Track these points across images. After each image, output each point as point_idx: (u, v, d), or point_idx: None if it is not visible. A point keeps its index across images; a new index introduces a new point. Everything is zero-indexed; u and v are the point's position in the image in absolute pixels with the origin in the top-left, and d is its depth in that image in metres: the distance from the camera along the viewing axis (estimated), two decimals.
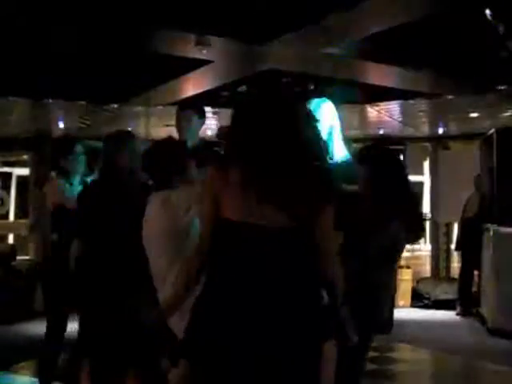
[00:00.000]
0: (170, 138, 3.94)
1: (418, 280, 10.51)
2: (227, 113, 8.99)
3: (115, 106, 8.01)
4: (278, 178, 2.49)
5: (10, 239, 12.86)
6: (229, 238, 2.52)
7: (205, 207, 2.61)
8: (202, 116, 4.66)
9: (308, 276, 2.53)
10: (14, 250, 9.84)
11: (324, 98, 4.16)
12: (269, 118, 2.58)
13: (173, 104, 8.22)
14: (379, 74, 7.28)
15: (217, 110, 8.84)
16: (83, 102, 8.10)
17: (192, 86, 7.75)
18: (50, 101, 8.01)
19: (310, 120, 2.70)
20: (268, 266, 2.46)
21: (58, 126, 9.78)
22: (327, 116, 4.04)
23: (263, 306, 2.44)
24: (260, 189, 2.47)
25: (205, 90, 7.86)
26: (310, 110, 2.82)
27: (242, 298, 2.45)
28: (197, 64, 6.78)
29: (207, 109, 8.71)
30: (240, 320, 2.44)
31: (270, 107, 2.62)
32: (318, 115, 4.03)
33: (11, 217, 13.03)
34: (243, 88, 7.81)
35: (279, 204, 2.47)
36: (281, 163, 2.51)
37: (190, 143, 4.39)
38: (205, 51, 6.11)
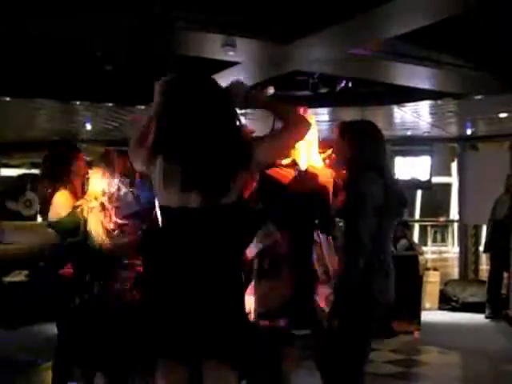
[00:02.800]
0: None
1: (445, 282, 10.43)
2: (254, 114, 9.05)
3: (142, 107, 8.02)
4: (198, 166, 2.82)
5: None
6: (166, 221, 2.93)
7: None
8: None
9: (225, 246, 2.89)
10: (42, 251, 9.88)
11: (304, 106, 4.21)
12: (191, 108, 2.88)
13: None
14: (406, 75, 7.23)
15: (243, 111, 8.84)
16: (110, 104, 8.13)
17: None
18: (77, 103, 8.05)
19: (231, 108, 3.00)
20: (191, 238, 2.85)
21: (85, 127, 9.84)
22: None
23: (190, 270, 2.84)
24: (182, 177, 2.82)
25: None
26: (231, 98, 3.01)
27: (174, 264, 2.87)
28: (223, 65, 6.78)
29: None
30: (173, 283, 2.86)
31: (191, 97, 2.91)
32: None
33: (39, 218, 13.12)
34: (270, 89, 7.81)
35: (198, 190, 2.82)
36: (201, 153, 2.83)
37: None
38: (231, 53, 6.10)
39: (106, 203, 4.22)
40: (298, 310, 3.84)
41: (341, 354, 3.69)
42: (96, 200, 4.29)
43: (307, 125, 3.10)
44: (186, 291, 2.83)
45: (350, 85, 7.66)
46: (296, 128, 3.05)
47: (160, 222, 2.98)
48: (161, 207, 2.96)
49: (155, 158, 2.90)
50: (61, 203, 4.55)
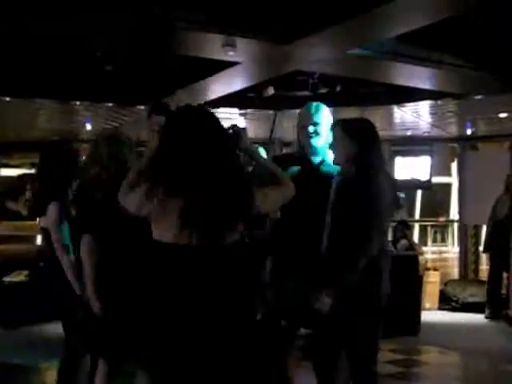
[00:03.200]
0: None
1: (445, 282, 10.43)
2: (254, 114, 9.05)
3: (142, 107, 8.03)
4: (201, 200, 2.69)
5: (38, 240, 12.95)
6: (159, 258, 2.76)
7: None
8: None
9: (239, 288, 2.79)
10: (42, 252, 9.88)
11: (320, 103, 4.23)
12: (192, 141, 2.76)
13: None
14: (406, 75, 7.23)
15: (243, 111, 8.85)
16: (110, 104, 8.14)
17: (219, 87, 7.76)
18: (77, 103, 8.06)
19: (232, 144, 2.93)
20: (197, 282, 2.70)
21: (85, 127, 9.84)
22: (327, 119, 4.11)
23: (198, 321, 2.69)
24: (184, 211, 2.68)
25: (231, 91, 7.87)
26: (230, 135, 2.97)
27: (178, 319, 2.70)
28: (223, 65, 6.78)
29: (234, 110, 8.76)
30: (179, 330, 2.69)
31: (194, 130, 2.79)
32: (318, 118, 4.12)
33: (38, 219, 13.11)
34: (270, 90, 7.83)
35: (202, 225, 2.69)
36: (203, 186, 2.71)
37: None
38: (231, 53, 6.11)
39: None
40: (297, 310, 3.86)
41: (338, 352, 3.75)
42: None
43: (292, 188, 3.12)
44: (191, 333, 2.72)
45: (338, 88, 7.68)
46: (287, 187, 3.06)
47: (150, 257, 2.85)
48: (155, 243, 2.81)
49: (154, 193, 2.77)
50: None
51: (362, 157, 3.70)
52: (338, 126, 3.87)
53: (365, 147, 3.73)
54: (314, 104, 4.25)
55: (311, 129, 4.11)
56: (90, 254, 3.91)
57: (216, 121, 2.89)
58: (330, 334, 3.78)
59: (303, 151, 4.17)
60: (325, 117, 4.17)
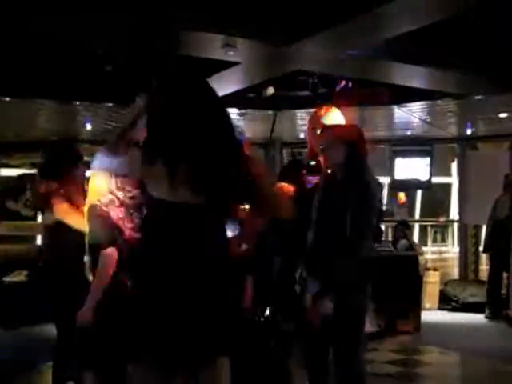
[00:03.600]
0: None
1: (445, 282, 10.43)
2: (254, 114, 9.03)
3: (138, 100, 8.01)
4: (192, 164, 2.80)
5: (38, 240, 12.95)
6: (155, 211, 2.92)
7: None
8: None
9: (214, 244, 2.90)
10: (41, 252, 9.89)
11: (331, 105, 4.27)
12: (182, 108, 2.86)
13: None
14: (407, 75, 7.23)
15: (243, 111, 8.85)
16: (110, 104, 8.13)
17: (218, 87, 7.73)
18: (77, 103, 8.05)
19: (222, 105, 3.02)
20: (184, 234, 2.84)
21: (85, 127, 9.83)
22: (339, 121, 4.14)
23: (182, 263, 2.82)
24: (177, 175, 2.79)
25: (231, 91, 7.86)
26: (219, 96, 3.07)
27: (168, 257, 2.84)
28: (223, 65, 6.78)
29: (234, 110, 8.76)
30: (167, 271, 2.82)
31: (182, 96, 2.90)
32: (327, 121, 4.16)
33: (39, 218, 13.13)
34: (270, 90, 7.82)
35: (192, 187, 2.81)
36: (195, 152, 2.81)
37: None
38: (231, 53, 6.11)
39: (124, 198, 4.11)
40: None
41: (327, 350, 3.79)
42: (112, 194, 4.20)
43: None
44: (177, 283, 2.83)
45: (349, 85, 7.66)
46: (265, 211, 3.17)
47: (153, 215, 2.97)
48: (159, 201, 2.90)
49: (156, 158, 2.85)
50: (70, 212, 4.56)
51: (353, 161, 3.78)
52: (330, 130, 3.95)
53: (355, 152, 3.81)
54: (325, 106, 4.30)
55: (320, 131, 4.14)
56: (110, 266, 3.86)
57: (203, 86, 3.01)
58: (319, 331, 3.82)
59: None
60: (335, 119, 4.19)
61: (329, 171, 3.93)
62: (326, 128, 4.03)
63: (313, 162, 4.24)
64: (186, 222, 2.86)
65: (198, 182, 2.83)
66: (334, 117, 4.21)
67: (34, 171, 12.27)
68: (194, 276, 2.82)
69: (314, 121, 4.24)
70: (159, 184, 2.84)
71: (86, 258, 4.37)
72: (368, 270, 3.78)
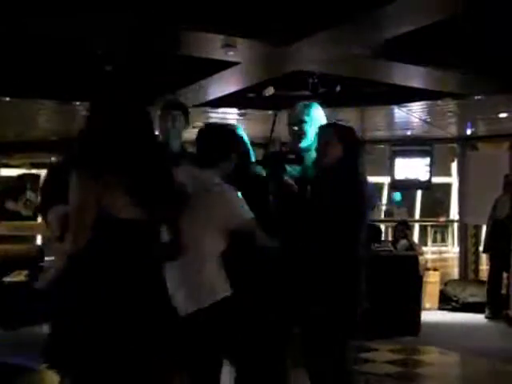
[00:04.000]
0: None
1: (445, 282, 10.43)
2: (254, 114, 9.03)
3: None
4: (138, 178, 2.92)
5: (38, 240, 12.96)
6: (104, 228, 2.94)
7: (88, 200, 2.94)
8: (188, 116, 4.67)
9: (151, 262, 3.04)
10: (42, 251, 9.91)
11: (314, 103, 4.26)
12: (127, 126, 2.99)
13: (199, 105, 8.24)
14: (406, 75, 7.23)
15: (243, 111, 8.85)
16: None
17: (218, 87, 7.76)
18: (77, 103, 8.05)
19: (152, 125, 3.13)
20: (128, 251, 2.96)
21: None
22: (318, 119, 4.13)
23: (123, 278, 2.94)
24: (125, 189, 2.90)
25: (231, 91, 7.87)
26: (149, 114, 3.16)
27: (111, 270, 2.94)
28: (223, 65, 6.78)
29: (234, 110, 8.76)
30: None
31: (126, 113, 3.03)
32: (308, 118, 4.16)
33: (39, 218, 13.12)
34: (270, 89, 7.81)
35: (140, 203, 2.93)
36: (140, 168, 2.94)
37: (174, 143, 4.55)
38: (231, 53, 6.10)
39: None
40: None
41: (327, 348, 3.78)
42: None
43: None
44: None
45: (338, 89, 7.68)
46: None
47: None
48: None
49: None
50: None
51: (348, 161, 3.78)
52: (326, 129, 3.94)
53: (351, 152, 3.83)
54: (304, 103, 4.29)
55: (296, 128, 4.14)
56: None
57: (137, 108, 3.09)
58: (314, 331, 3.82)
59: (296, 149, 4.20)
60: (316, 117, 4.19)
61: (323, 168, 3.90)
62: (322, 126, 4.02)
63: (292, 156, 4.21)
64: (131, 238, 2.98)
65: (142, 196, 2.95)
66: (314, 113, 4.21)
67: (34, 171, 12.30)
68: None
69: (291, 117, 4.24)
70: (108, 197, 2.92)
71: None
72: (358, 271, 3.77)
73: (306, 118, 4.16)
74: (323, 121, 4.20)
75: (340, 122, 4.52)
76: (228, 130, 4.06)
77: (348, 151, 3.82)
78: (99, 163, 2.90)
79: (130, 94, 3.12)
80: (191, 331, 3.43)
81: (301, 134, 4.14)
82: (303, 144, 4.15)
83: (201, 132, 3.86)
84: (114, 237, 2.96)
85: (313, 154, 4.04)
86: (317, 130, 4.05)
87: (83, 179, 2.87)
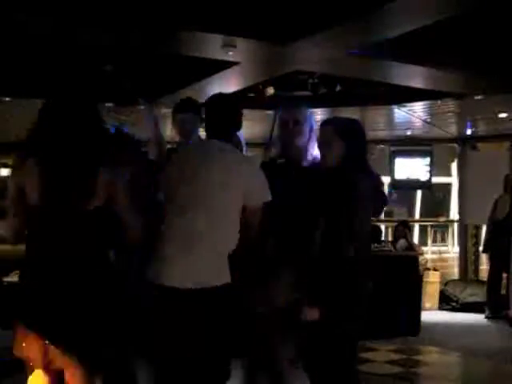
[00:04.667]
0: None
1: (445, 282, 10.43)
2: (254, 114, 9.03)
3: (142, 107, 8.02)
4: (64, 171, 3.15)
5: None
6: (34, 218, 3.28)
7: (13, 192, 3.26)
8: (200, 114, 4.66)
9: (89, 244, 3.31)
10: None
11: (304, 106, 4.24)
12: (61, 120, 3.35)
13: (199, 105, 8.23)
14: (406, 75, 7.23)
15: (243, 111, 8.84)
16: (110, 104, 8.13)
17: (218, 87, 7.75)
18: None
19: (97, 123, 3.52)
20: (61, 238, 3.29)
21: None
22: (309, 122, 4.11)
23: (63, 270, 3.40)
24: (51, 180, 3.14)
25: (231, 91, 7.86)
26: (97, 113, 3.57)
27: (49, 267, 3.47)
28: (223, 65, 6.78)
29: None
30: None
31: (62, 110, 3.46)
32: (301, 120, 4.13)
33: None
34: (270, 90, 7.82)
35: (64, 193, 3.15)
36: (67, 159, 3.17)
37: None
38: (231, 53, 6.11)
39: None
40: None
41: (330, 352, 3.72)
42: None
43: None
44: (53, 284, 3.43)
45: (338, 88, 7.67)
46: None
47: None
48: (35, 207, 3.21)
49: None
50: None
51: (352, 157, 3.67)
52: (329, 125, 3.84)
53: (355, 148, 3.71)
54: (295, 104, 4.29)
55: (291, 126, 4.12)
56: None
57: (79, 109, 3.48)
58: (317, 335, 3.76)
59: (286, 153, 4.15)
60: (307, 119, 4.17)
61: (325, 168, 3.82)
62: (321, 124, 3.92)
63: (281, 160, 4.17)
64: (60, 227, 3.22)
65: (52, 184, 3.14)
66: (306, 113, 4.18)
67: None
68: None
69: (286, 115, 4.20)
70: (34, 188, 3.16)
71: None
72: (354, 272, 3.67)
73: (300, 118, 4.12)
74: (313, 121, 4.15)
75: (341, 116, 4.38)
76: (234, 99, 4.10)
77: (352, 149, 3.67)
78: (26, 149, 3.23)
79: (78, 92, 3.52)
80: (187, 308, 3.39)
81: (295, 133, 4.09)
82: (301, 142, 4.10)
83: (210, 104, 3.84)
84: (28, 222, 3.33)
85: (309, 155, 4.02)
86: (313, 127, 4.02)
87: (14, 165, 3.14)
